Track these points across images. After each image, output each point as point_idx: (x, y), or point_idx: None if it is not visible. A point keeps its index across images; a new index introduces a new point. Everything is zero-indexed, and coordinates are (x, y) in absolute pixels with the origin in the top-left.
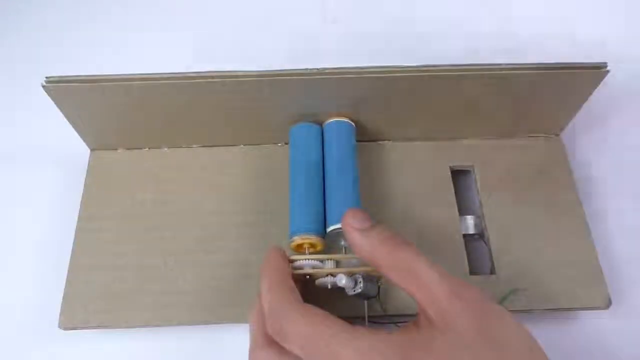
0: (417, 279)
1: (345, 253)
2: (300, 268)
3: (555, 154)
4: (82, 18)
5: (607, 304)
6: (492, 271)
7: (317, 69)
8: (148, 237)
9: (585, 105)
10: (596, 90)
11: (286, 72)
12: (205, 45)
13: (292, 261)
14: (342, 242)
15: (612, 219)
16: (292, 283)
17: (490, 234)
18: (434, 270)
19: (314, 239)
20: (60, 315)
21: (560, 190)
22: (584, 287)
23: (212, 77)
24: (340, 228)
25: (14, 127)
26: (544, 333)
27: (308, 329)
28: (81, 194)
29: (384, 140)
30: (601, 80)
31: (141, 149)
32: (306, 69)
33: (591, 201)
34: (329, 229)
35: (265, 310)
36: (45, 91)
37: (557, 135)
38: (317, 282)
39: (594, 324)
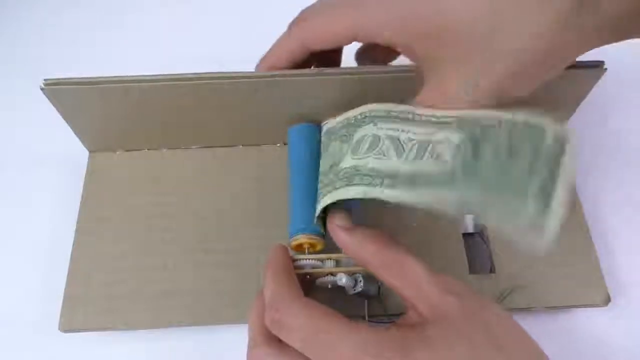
0: (405, 277)
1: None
2: (301, 268)
3: None
4: (81, 20)
5: (606, 301)
6: (492, 270)
7: (316, 69)
8: (148, 238)
9: (583, 104)
10: (593, 88)
11: (285, 73)
12: (204, 47)
13: (293, 260)
14: None
15: (610, 216)
16: (295, 278)
17: (489, 233)
18: (421, 267)
19: (313, 238)
20: (60, 317)
21: None
22: (583, 284)
23: (211, 78)
24: None
25: (12, 129)
26: (543, 330)
27: (308, 322)
28: (80, 196)
29: None
30: (599, 78)
31: (140, 150)
32: (305, 70)
33: (589, 199)
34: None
35: (266, 302)
36: (43, 93)
37: None
38: (318, 281)
39: (593, 321)
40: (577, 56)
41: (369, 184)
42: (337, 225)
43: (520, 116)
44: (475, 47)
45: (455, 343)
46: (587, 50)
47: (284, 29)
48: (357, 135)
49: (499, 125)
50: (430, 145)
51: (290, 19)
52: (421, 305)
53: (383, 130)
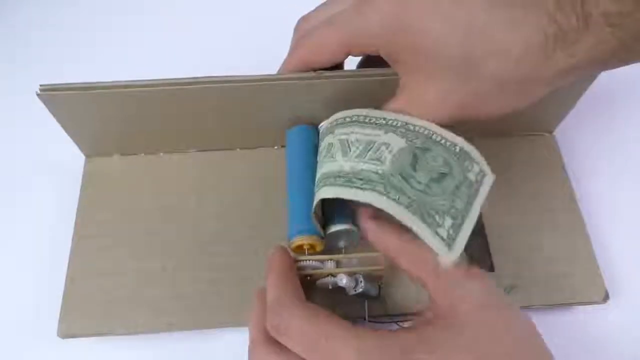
0: (425, 265)
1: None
2: (302, 269)
3: (549, 151)
4: (80, 21)
5: (605, 298)
6: (491, 268)
7: (314, 72)
8: (146, 242)
9: (578, 103)
10: (589, 87)
11: (283, 77)
12: (201, 51)
13: (294, 262)
14: (341, 244)
15: (607, 214)
16: (297, 281)
17: (488, 231)
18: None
19: (313, 240)
20: (59, 323)
21: (554, 187)
22: (581, 282)
23: (209, 82)
24: (339, 229)
25: (7, 134)
26: (543, 328)
27: (309, 327)
28: (77, 201)
29: None
30: (594, 78)
31: (137, 154)
32: (303, 73)
33: (585, 197)
34: (328, 231)
35: (268, 306)
36: (40, 99)
37: (551, 133)
38: (318, 282)
39: (592, 318)
40: (552, 88)
41: (320, 189)
42: (366, 210)
43: (458, 139)
44: (449, 66)
45: (461, 350)
46: (563, 83)
47: (284, 31)
48: (320, 147)
49: (440, 141)
50: (375, 144)
51: (290, 21)
52: (437, 295)
53: (337, 136)
